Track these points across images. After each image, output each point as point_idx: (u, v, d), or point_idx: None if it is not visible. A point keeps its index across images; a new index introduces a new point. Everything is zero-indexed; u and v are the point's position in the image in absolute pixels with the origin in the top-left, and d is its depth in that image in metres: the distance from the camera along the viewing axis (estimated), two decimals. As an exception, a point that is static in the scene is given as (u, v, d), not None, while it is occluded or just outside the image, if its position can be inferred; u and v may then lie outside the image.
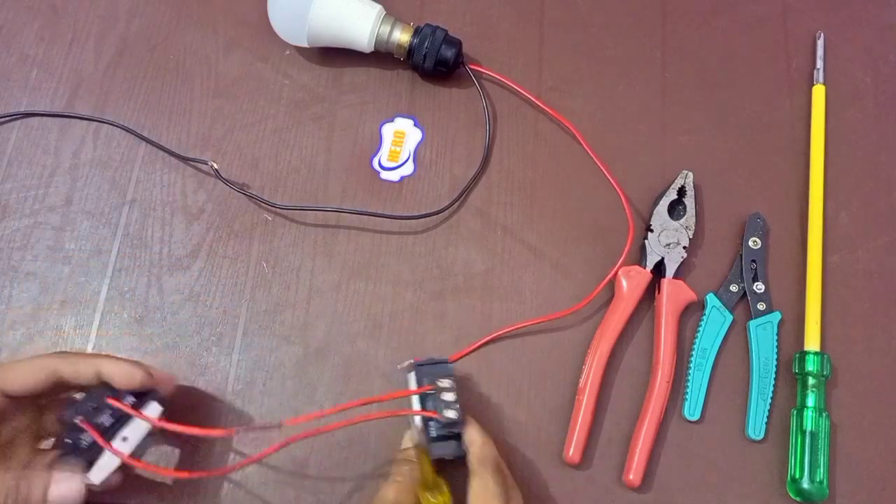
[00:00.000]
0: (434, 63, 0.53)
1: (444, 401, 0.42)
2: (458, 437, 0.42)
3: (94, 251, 0.51)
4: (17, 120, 0.54)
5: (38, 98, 0.55)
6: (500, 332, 0.49)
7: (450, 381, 0.42)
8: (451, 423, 0.41)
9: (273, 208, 0.52)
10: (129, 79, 0.56)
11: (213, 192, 0.53)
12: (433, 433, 0.41)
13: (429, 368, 0.43)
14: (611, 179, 0.52)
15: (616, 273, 0.49)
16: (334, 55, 0.56)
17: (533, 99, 0.55)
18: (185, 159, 0.53)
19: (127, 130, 0.54)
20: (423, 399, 0.42)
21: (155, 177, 0.53)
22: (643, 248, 0.51)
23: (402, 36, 0.53)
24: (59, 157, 0.54)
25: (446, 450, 0.42)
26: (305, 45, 0.54)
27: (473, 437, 0.42)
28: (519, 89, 0.55)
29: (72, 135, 0.54)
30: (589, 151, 0.53)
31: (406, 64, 0.55)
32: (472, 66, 0.55)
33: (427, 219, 0.52)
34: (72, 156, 0.54)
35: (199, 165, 0.53)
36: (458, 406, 0.41)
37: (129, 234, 0.52)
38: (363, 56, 0.55)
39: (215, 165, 0.52)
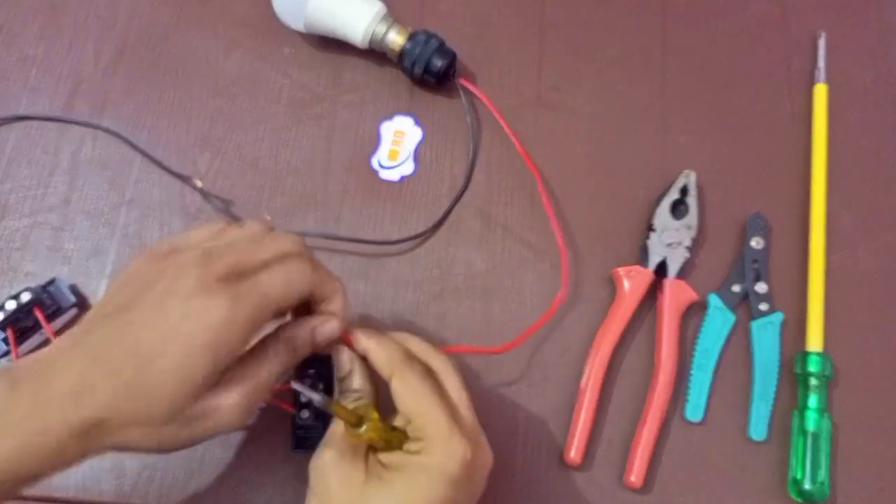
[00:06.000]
0: (423, 71, 0.53)
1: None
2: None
3: (93, 251, 0.51)
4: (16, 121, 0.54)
5: (37, 98, 0.55)
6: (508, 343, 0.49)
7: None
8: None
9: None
10: (129, 78, 0.56)
11: (212, 191, 0.52)
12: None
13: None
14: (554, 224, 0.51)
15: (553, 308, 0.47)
16: (334, 54, 0.56)
17: (511, 135, 0.52)
18: (173, 174, 0.53)
19: (121, 138, 0.53)
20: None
21: (153, 176, 0.53)
22: (645, 248, 0.50)
23: (396, 38, 0.53)
24: (58, 157, 0.53)
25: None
26: (302, 30, 0.54)
27: (364, 344, 0.38)
28: (498, 117, 0.52)
29: (70, 135, 0.54)
30: (544, 198, 0.50)
31: (400, 66, 0.55)
32: (462, 81, 0.53)
33: (426, 219, 0.52)
34: (71, 156, 0.53)
35: (198, 161, 0.53)
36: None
37: (127, 234, 0.52)
38: (363, 55, 0.55)
39: (199, 184, 0.52)
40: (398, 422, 0.38)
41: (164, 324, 0.32)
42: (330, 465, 0.35)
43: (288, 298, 0.35)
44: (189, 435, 0.33)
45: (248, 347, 0.35)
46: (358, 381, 0.39)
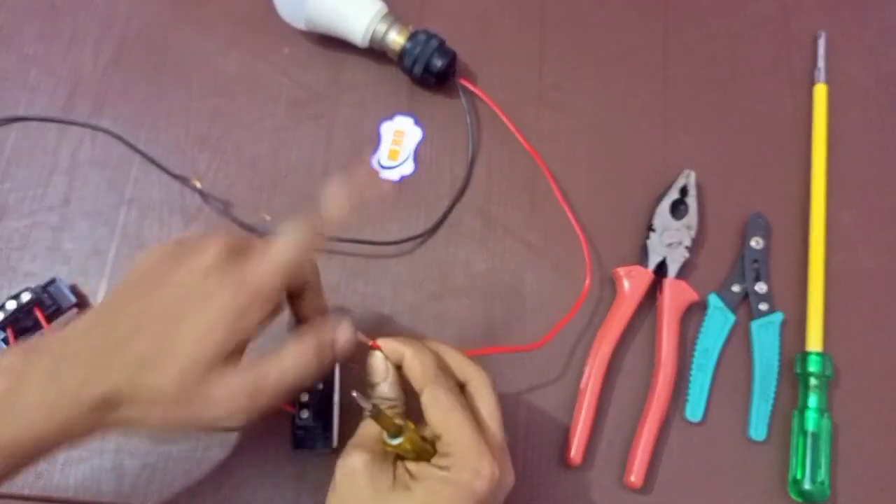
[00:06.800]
0: (423, 70, 0.53)
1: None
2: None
3: (93, 251, 0.51)
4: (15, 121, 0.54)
5: (36, 98, 0.55)
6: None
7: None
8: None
9: (252, 231, 0.51)
10: (128, 78, 0.56)
11: (211, 191, 0.52)
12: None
13: None
14: (572, 220, 0.51)
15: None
16: (334, 53, 0.56)
17: (516, 133, 0.53)
18: (172, 175, 0.53)
19: (119, 139, 0.53)
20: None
21: (153, 176, 0.53)
22: (645, 248, 0.50)
23: (397, 38, 0.53)
24: (58, 156, 0.53)
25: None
26: (303, 28, 0.54)
27: (400, 352, 0.38)
28: (503, 117, 0.53)
29: (70, 135, 0.54)
30: (555, 190, 0.52)
31: (400, 66, 0.55)
32: (462, 81, 0.54)
33: (426, 219, 0.52)
34: (70, 156, 0.53)
35: (197, 160, 0.53)
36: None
37: (127, 233, 0.51)
38: (363, 54, 0.55)
39: (198, 184, 0.52)
40: (426, 433, 0.37)
41: (184, 298, 0.34)
42: (361, 468, 0.35)
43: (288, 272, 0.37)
44: (182, 417, 0.34)
45: (256, 334, 0.36)
46: (392, 389, 0.38)
